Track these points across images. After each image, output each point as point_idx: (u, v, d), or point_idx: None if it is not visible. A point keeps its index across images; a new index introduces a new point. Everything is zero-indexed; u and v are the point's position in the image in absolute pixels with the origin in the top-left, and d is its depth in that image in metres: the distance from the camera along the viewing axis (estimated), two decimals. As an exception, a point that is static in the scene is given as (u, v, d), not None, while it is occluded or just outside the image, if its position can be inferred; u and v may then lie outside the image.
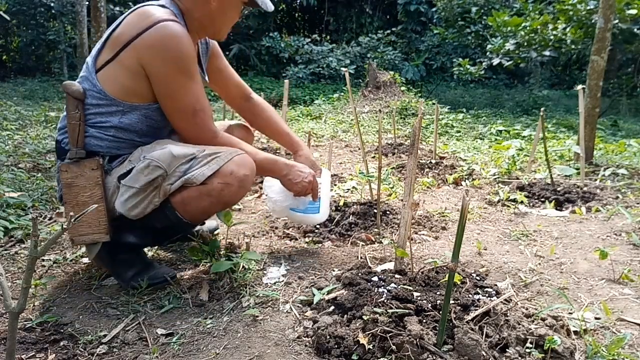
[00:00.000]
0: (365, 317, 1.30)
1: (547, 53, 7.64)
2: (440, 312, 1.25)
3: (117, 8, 13.75)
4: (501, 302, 1.42)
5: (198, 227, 2.14)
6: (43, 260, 1.92)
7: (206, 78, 1.85)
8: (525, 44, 7.76)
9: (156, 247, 2.04)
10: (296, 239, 2.23)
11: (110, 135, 1.56)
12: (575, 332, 1.37)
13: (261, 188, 3.22)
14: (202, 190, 1.50)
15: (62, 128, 1.60)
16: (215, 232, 2.23)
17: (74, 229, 1.52)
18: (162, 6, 1.57)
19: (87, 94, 1.53)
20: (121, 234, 1.62)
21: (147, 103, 1.56)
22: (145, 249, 1.88)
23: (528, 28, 7.54)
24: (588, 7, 6.69)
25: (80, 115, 1.51)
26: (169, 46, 1.46)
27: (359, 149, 4.68)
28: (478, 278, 1.64)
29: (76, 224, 1.34)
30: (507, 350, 1.24)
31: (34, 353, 1.29)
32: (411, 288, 1.43)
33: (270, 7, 1.74)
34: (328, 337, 1.28)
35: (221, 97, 2.08)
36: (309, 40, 13.95)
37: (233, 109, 2.09)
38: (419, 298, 1.39)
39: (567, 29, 7.26)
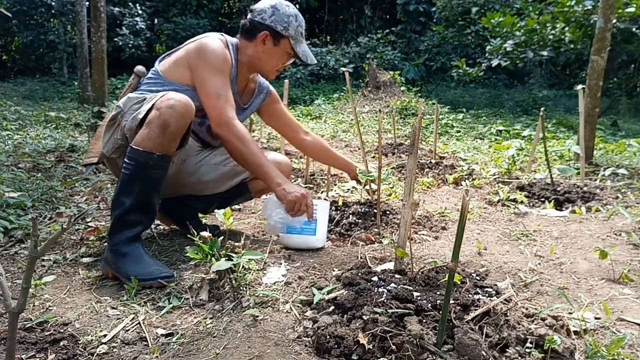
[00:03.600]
0: (365, 317, 1.30)
1: (544, 53, 7.63)
2: (440, 312, 1.25)
3: (117, 8, 13.76)
4: (501, 302, 1.42)
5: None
6: (43, 260, 1.92)
7: (245, 107, 2.24)
8: (524, 44, 7.75)
9: (157, 230, 2.04)
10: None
11: None
12: (575, 332, 1.37)
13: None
14: (145, 123, 1.74)
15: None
16: (215, 233, 2.23)
17: (88, 152, 1.99)
18: (222, 35, 2.05)
19: (148, 73, 2.05)
20: (112, 216, 1.78)
21: (181, 84, 1.96)
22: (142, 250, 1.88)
23: (524, 28, 7.53)
24: (585, 8, 6.69)
25: (133, 84, 2.04)
26: (204, 48, 1.94)
27: (359, 149, 4.68)
28: (478, 278, 1.64)
29: (89, 148, 1.99)
30: (507, 350, 1.24)
31: (34, 353, 1.29)
32: (411, 288, 1.43)
33: (312, 61, 2.15)
34: (328, 337, 1.28)
35: (282, 135, 2.54)
36: (309, 42, 13.92)
37: (294, 145, 2.47)
38: (419, 298, 1.39)
39: (566, 29, 7.26)
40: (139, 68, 2.07)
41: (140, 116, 1.73)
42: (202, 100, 1.94)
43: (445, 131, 6.32)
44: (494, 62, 8.42)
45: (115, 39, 13.20)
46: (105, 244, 2.12)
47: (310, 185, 3.19)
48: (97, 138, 1.98)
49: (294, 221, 1.96)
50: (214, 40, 1.96)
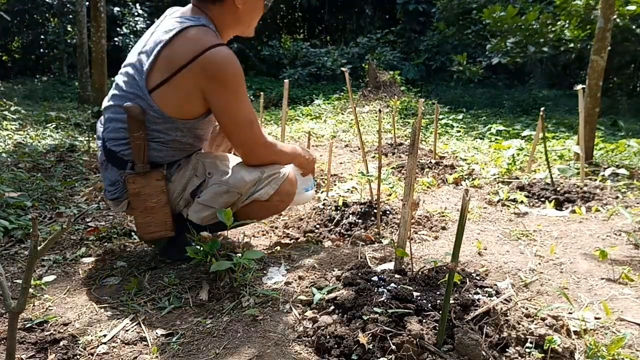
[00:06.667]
0: (365, 317, 1.30)
1: (545, 49, 7.61)
2: (440, 312, 1.25)
3: (117, 8, 13.75)
4: (501, 302, 1.42)
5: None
6: (43, 260, 1.92)
7: None
8: (524, 41, 7.74)
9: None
10: (296, 239, 2.23)
11: (169, 147, 1.75)
12: (575, 332, 1.37)
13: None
14: (265, 204, 1.83)
15: (117, 139, 1.73)
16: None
17: (143, 229, 1.76)
18: (203, 25, 1.68)
19: (144, 112, 1.66)
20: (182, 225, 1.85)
21: (197, 118, 1.74)
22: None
23: (525, 23, 7.51)
24: (588, 2, 6.69)
25: (144, 136, 1.67)
26: (224, 69, 1.63)
27: (359, 149, 4.68)
28: (478, 278, 1.64)
29: (141, 224, 1.75)
30: (507, 350, 1.24)
31: (34, 353, 1.29)
32: (411, 288, 1.43)
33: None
34: (328, 337, 1.28)
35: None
36: (308, 44, 13.92)
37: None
38: (419, 298, 1.39)
39: (566, 27, 7.25)
40: (132, 109, 1.64)
41: (265, 199, 1.80)
42: (231, 132, 1.74)
43: (445, 131, 6.31)
44: (494, 60, 8.41)
45: (115, 39, 13.18)
46: (105, 243, 2.13)
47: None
48: (149, 212, 1.74)
49: (306, 180, 2.09)
50: (221, 50, 1.62)
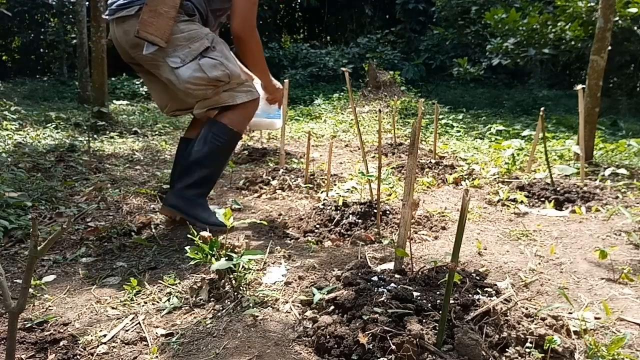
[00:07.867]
0: (365, 317, 1.30)
1: (546, 50, 7.61)
2: (440, 312, 1.25)
3: (117, 8, 13.75)
4: (501, 302, 1.42)
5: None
6: (43, 260, 1.92)
7: None
8: (525, 42, 7.74)
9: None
10: (296, 239, 2.24)
11: None
12: (575, 332, 1.37)
13: (261, 188, 3.22)
14: (238, 109, 2.21)
15: None
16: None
17: (145, 26, 1.97)
18: None
19: None
20: (194, 173, 2.17)
21: None
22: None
23: (526, 26, 7.52)
24: (589, 4, 6.68)
25: None
26: None
27: (359, 148, 4.68)
28: (478, 278, 1.64)
29: (146, 21, 1.96)
30: (507, 350, 1.25)
31: (34, 353, 1.29)
32: (411, 288, 1.43)
33: None
34: (328, 336, 1.28)
35: None
36: (308, 45, 13.93)
37: None
38: (419, 298, 1.39)
39: (567, 27, 7.25)
40: None
41: (238, 103, 2.19)
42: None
43: (445, 131, 6.31)
44: (495, 61, 8.41)
45: (115, 39, 13.18)
46: (105, 243, 2.13)
47: (310, 185, 3.19)
48: (156, 15, 1.98)
49: (270, 108, 2.56)
50: None
